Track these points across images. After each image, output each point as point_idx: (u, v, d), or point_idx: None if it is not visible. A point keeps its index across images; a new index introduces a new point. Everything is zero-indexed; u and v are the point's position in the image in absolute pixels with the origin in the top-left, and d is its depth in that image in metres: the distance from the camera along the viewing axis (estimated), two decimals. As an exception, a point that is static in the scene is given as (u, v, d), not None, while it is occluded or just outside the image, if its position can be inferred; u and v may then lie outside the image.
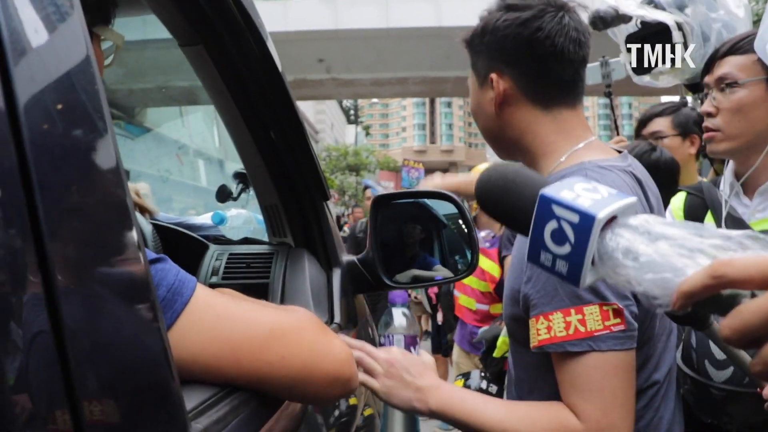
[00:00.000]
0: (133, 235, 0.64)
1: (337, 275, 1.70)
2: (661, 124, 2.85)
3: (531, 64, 1.42)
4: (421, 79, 25.00)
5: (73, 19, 0.63)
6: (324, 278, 1.67)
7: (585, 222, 0.72)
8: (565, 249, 0.73)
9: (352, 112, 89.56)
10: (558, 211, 0.74)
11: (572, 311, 1.19)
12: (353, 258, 1.76)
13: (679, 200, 2.04)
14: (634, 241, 0.69)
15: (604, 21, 2.12)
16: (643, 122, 2.96)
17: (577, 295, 1.19)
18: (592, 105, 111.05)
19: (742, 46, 1.75)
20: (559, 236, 0.74)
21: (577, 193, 0.74)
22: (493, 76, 1.47)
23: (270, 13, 20.13)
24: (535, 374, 1.38)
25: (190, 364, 0.83)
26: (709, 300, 0.61)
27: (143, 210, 1.74)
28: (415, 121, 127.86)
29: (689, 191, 2.02)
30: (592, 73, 3.38)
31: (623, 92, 31.71)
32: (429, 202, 1.88)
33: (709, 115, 1.78)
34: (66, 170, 0.57)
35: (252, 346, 0.88)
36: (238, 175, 1.91)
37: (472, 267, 1.74)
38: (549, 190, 0.75)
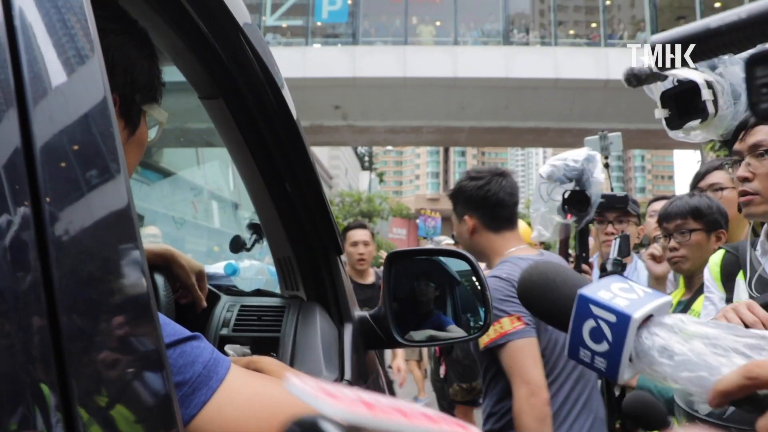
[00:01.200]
0: (147, 293, 0.63)
1: (348, 331, 1.68)
2: (720, 177, 2.95)
3: (485, 209, 2.52)
4: (435, 128, 25.18)
5: (93, 62, 0.63)
6: (335, 334, 1.65)
7: (622, 322, 0.75)
8: (603, 347, 0.77)
9: (366, 158, 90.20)
10: (596, 310, 0.77)
11: (495, 324, 2.25)
12: (365, 314, 1.74)
13: (717, 257, 2.20)
14: (670, 340, 0.72)
15: (638, 78, 2.23)
16: (702, 175, 3.05)
17: (497, 314, 2.24)
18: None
19: None
20: (597, 334, 0.77)
21: (614, 293, 0.78)
22: (466, 217, 2.57)
23: (289, 59, 20.46)
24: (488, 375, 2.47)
25: None
26: (745, 398, 0.64)
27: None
28: (428, 169, 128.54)
29: (727, 249, 2.17)
30: (592, 145, 3.50)
31: (636, 145, 31.84)
32: (443, 258, 1.87)
33: (746, 180, 1.86)
34: (77, 212, 0.57)
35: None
36: (252, 226, 1.91)
37: (486, 326, 1.71)
38: (587, 291, 0.79)
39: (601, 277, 3.43)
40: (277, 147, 1.54)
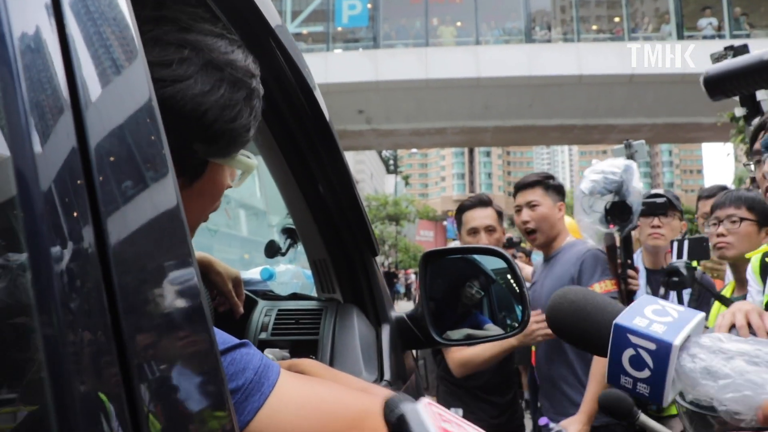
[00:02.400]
0: (202, 303, 0.63)
1: (386, 331, 1.68)
2: None
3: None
4: (459, 129, 25.12)
5: (138, 66, 0.65)
6: (373, 335, 1.65)
7: (662, 349, 0.76)
8: (645, 374, 0.78)
9: (391, 162, 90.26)
10: (634, 339, 0.78)
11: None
12: (402, 314, 1.74)
13: (756, 259, 2.30)
14: (711, 361, 0.73)
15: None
16: None
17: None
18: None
19: None
20: (637, 362, 0.78)
21: (649, 318, 0.79)
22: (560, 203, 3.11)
23: (311, 65, 20.28)
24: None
25: None
26: None
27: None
28: (454, 170, 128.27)
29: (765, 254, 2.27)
30: (619, 155, 3.58)
31: (663, 140, 31.53)
32: (477, 257, 1.86)
33: None
34: (132, 222, 0.58)
35: (339, 429, 0.88)
36: (286, 230, 1.92)
37: (523, 324, 1.71)
38: (623, 320, 0.79)
39: (648, 278, 3.41)
40: (311, 150, 1.54)
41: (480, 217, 3.44)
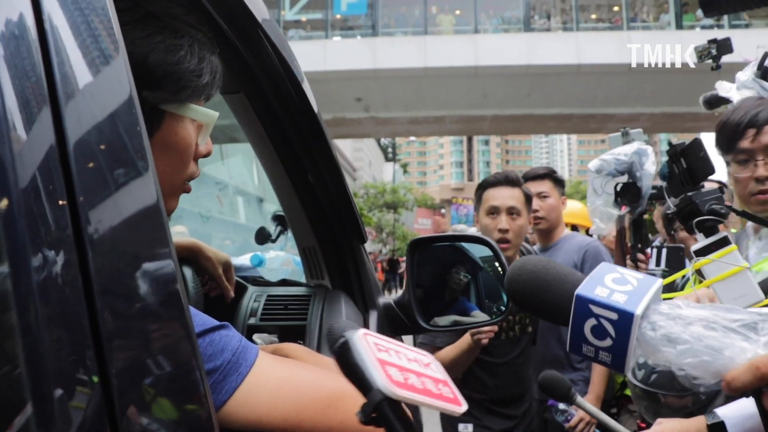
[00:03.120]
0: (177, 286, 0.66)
1: (373, 317, 1.71)
2: None
3: None
4: (458, 118, 25.11)
5: (118, 61, 0.66)
6: (360, 320, 1.68)
7: (624, 319, 0.77)
8: (607, 342, 0.79)
9: (389, 149, 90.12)
10: (596, 309, 0.79)
11: None
12: (390, 300, 1.77)
13: None
14: (670, 328, 0.75)
15: (709, 104, 2.51)
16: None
17: None
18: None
19: None
20: (599, 331, 0.79)
21: (610, 287, 0.80)
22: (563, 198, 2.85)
23: (310, 53, 20.49)
24: None
25: (255, 423, 0.87)
26: None
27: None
28: (452, 158, 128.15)
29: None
30: (615, 142, 3.59)
31: (661, 129, 31.48)
32: (465, 245, 1.89)
33: (767, 178, 1.87)
34: (109, 209, 0.60)
35: (314, 410, 0.90)
36: (276, 218, 1.94)
37: (507, 310, 1.74)
38: (584, 291, 0.81)
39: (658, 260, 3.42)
40: (299, 139, 1.56)
41: (503, 196, 2.93)
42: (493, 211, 2.92)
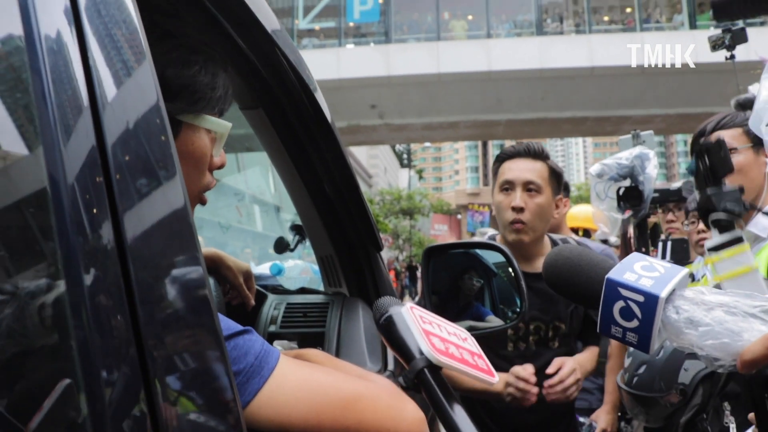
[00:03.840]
0: (206, 293, 0.71)
1: (390, 324, 1.74)
2: (730, 137, 2.46)
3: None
4: (472, 123, 25.10)
5: (146, 71, 0.72)
6: (378, 327, 1.72)
7: (650, 301, 0.83)
8: (634, 323, 0.85)
9: (404, 156, 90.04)
10: (624, 292, 0.85)
11: None
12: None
13: None
14: (693, 312, 0.80)
15: (743, 106, 2.52)
16: (708, 132, 2.63)
17: None
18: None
19: (727, 122, 2.18)
20: (626, 313, 0.85)
21: (638, 273, 0.86)
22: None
23: (323, 61, 20.59)
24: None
25: (277, 424, 0.92)
26: None
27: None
28: (467, 163, 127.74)
29: None
30: (625, 145, 3.58)
31: (677, 130, 31.30)
32: (479, 251, 1.92)
33: None
34: (145, 219, 0.65)
35: (333, 411, 0.95)
36: (294, 228, 1.99)
37: (522, 314, 1.77)
38: (614, 275, 0.87)
39: (663, 253, 3.43)
40: (315, 151, 1.61)
41: (520, 168, 2.43)
42: (507, 186, 2.42)
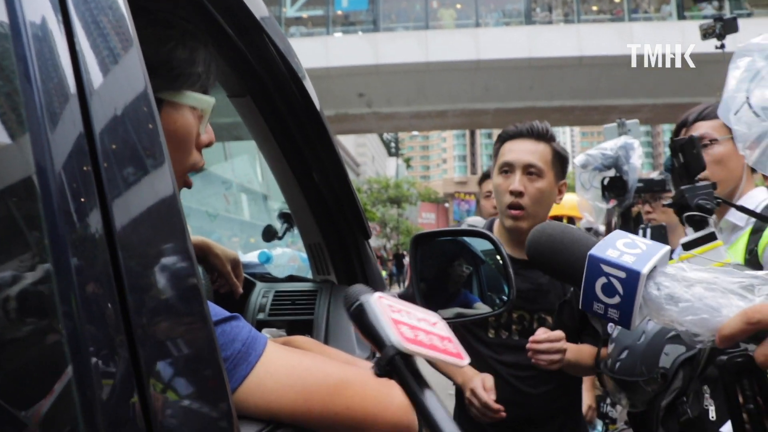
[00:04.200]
0: (196, 283, 0.71)
1: (378, 311, 1.75)
2: (709, 128, 2.36)
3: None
4: (460, 112, 25.12)
5: (133, 57, 0.71)
6: (366, 314, 1.72)
7: (631, 277, 0.84)
8: (615, 300, 0.86)
9: (392, 144, 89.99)
10: (606, 269, 0.86)
11: None
12: (394, 294, 1.81)
13: None
14: (674, 288, 0.81)
15: None
16: (689, 124, 2.52)
17: None
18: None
19: (708, 113, 2.19)
20: (608, 289, 0.86)
21: (620, 250, 0.87)
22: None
23: (311, 49, 20.51)
24: None
25: (265, 410, 0.93)
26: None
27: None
28: (455, 152, 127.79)
29: None
30: (611, 133, 3.58)
31: (664, 120, 31.41)
32: (467, 238, 1.93)
33: None
34: (134, 206, 0.65)
35: (321, 396, 0.96)
36: (282, 216, 1.99)
37: (509, 302, 1.78)
38: (596, 251, 0.88)
39: None
40: (303, 139, 1.61)
41: (521, 150, 2.28)
42: (507, 168, 2.27)
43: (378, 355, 0.73)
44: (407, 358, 0.72)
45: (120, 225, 0.61)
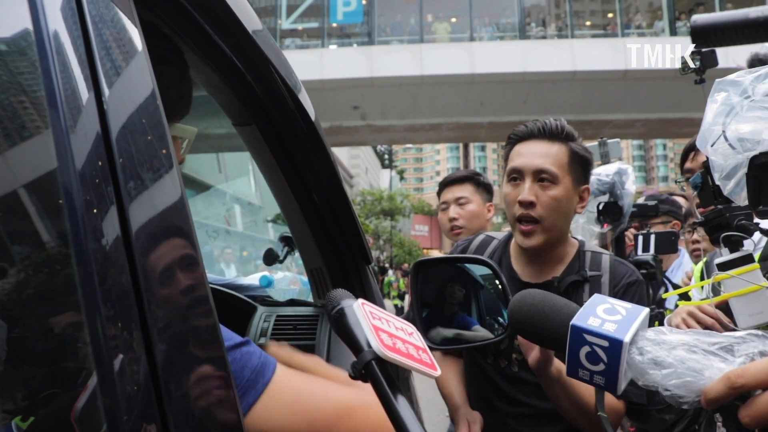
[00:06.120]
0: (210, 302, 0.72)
1: (379, 336, 1.76)
2: None
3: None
4: (454, 125, 25.16)
5: (143, 64, 0.75)
6: (367, 340, 1.73)
7: (614, 346, 0.87)
8: (600, 367, 0.88)
9: (386, 156, 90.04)
10: (589, 338, 0.89)
11: None
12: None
13: (698, 268, 2.52)
14: (656, 353, 0.83)
15: (763, 62, 2.48)
16: (694, 151, 2.58)
17: None
18: (626, 146, 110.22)
19: None
20: (592, 357, 0.89)
21: (601, 317, 0.90)
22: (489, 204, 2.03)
23: (306, 61, 20.56)
24: None
25: None
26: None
27: None
28: (449, 165, 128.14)
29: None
30: (593, 151, 3.61)
31: (657, 135, 31.59)
32: (468, 265, 1.94)
33: None
34: (150, 214, 0.67)
35: (325, 422, 0.99)
36: (284, 239, 2.00)
37: (507, 329, 1.79)
38: (578, 321, 0.90)
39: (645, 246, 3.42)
40: (307, 166, 1.62)
41: (531, 153, 1.97)
42: (516, 175, 1.98)
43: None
44: (382, 363, 0.76)
45: (136, 230, 0.64)
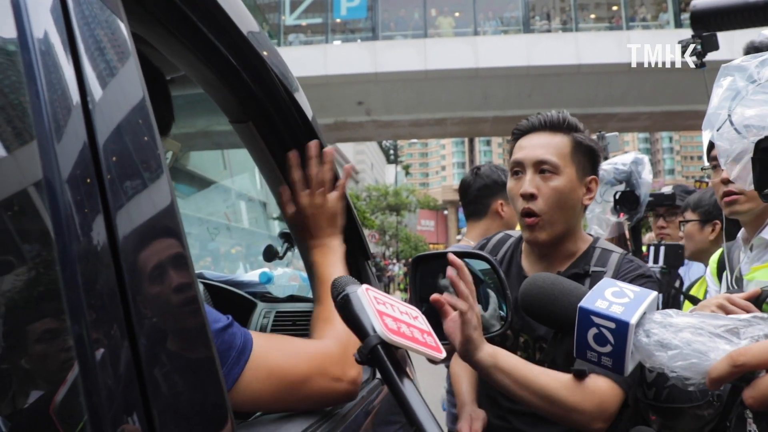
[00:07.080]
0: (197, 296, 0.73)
1: (378, 331, 1.76)
2: None
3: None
4: (459, 120, 25.15)
5: (132, 67, 0.75)
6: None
7: (621, 327, 0.88)
8: (607, 348, 0.90)
9: (391, 152, 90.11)
10: (597, 320, 0.90)
11: None
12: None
13: (713, 260, 2.47)
14: (663, 335, 0.85)
15: (758, 50, 2.44)
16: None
17: None
18: (632, 139, 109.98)
19: None
20: (600, 339, 0.91)
21: (609, 300, 0.91)
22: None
23: (310, 57, 20.56)
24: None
25: (251, 406, 1.08)
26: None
27: None
28: (454, 159, 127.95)
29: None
30: None
31: (662, 128, 31.50)
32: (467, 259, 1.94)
33: (730, 181, 1.90)
34: (137, 217, 0.68)
35: (299, 377, 1.10)
36: (283, 235, 2.01)
37: (507, 323, 1.79)
38: (586, 303, 0.92)
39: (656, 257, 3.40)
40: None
41: (532, 145, 1.94)
42: (518, 169, 1.95)
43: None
44: (388, 348, 0.77)
45: (123, 235, 0.64)
